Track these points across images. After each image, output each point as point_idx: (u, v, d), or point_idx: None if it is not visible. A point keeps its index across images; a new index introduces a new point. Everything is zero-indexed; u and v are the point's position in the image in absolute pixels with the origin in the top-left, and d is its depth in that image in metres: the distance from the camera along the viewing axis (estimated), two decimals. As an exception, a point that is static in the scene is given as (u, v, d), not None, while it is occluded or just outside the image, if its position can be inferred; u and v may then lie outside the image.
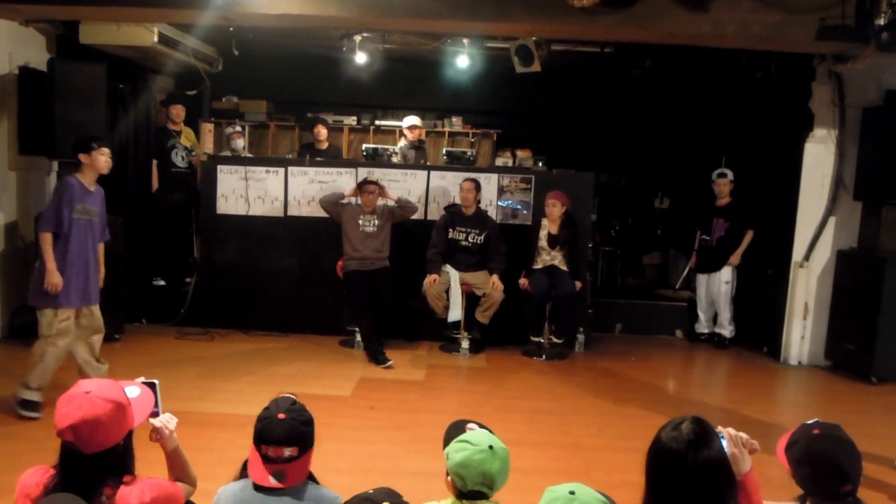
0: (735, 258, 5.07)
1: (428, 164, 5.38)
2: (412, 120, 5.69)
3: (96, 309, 3.31)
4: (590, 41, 5.04)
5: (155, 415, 1.60)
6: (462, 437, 1.48)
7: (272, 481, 1.47)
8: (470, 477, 1.42)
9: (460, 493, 1.45)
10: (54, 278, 3.05)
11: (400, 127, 6.51)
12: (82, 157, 3.15)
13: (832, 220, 4.75)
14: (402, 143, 5.74)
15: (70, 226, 3.10)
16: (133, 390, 1.52)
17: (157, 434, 1.59)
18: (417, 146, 5.65)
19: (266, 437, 1.48)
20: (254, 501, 1.49)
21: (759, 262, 5.14)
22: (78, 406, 1.33)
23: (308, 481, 1.58)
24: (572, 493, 1.22)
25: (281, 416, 1.49)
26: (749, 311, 5.22)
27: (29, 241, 4.51)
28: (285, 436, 1.48)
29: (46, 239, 3.06)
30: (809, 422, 1.54)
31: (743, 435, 1.52)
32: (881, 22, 3.58)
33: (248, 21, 4.30)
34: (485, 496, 1.44)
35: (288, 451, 1.48)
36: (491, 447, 1.43)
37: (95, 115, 4.36)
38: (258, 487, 1.49)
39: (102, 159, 3.17)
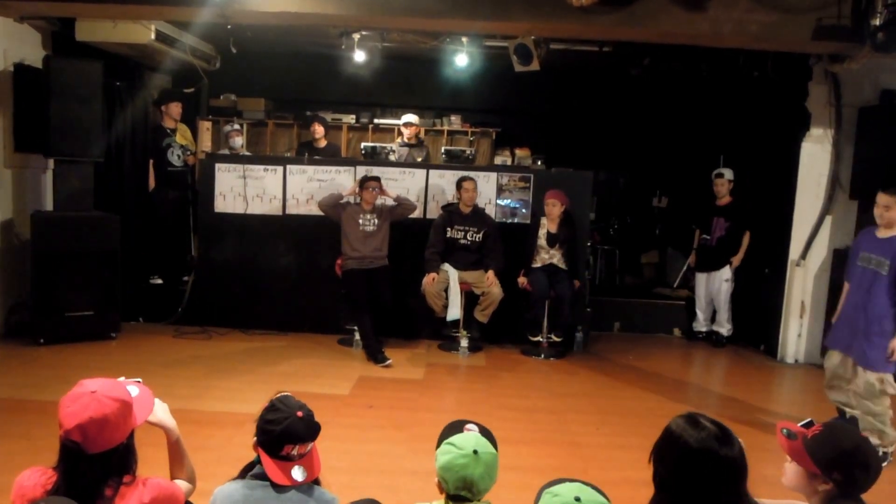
0: (737, 261, 5.10)
1: (427, 161, 5.36)
2: (407, 117, 5.66)
3: None
4: (588, 40, 5.04)
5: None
6: (450, 439, 1.46)
7: (300, 477, 1.49)
8: (451, 481, 1.40)
9: (448, 496, 1.44)
10: None
11: (398, 125, 6.52)
12: None
13: (828, 219, 4.76)
14: (398, 140, 5.73)
15: None
16: (133, 389, 1.51)
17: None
18: (413, 144, 5.62)
19: (293, 437, 1.49)
20: (249, 499, 1.48)
21: (756, 261, 5.16)
22: (84, 406, 1.32)
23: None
24: (578, 499, 1.21)
25: (299, 413, 1.52)
26: (746, 309, 5.23)
27: (24, 239, 4.49)
28: (309, 431, 1.52)
29: None
30: (850, 431, 1.55)
31: None
32: (877, 22, 3.59)
33: (245, 19, 4.28)
34: (468, 500, 1.41)
35: (310, 446, 1.53)
36: (475, 452, 1.40)
37: (91, 113, 4.35)
38: (277, 487, 1.49)
39: None
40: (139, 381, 1.57)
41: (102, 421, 1.31)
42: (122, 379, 1.56)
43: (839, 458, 1.44)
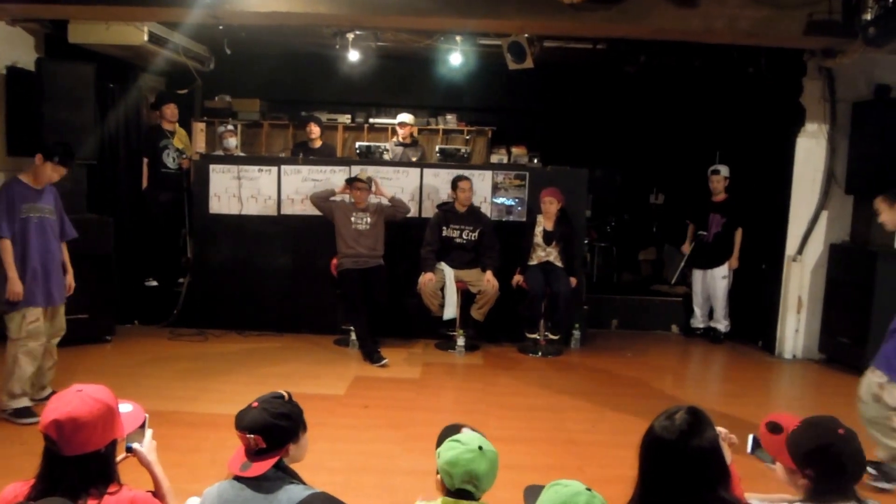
0: (735, 261, 5.10)
1: (423, 161, 5.34)
2: (402, 117, 5.64)
3: (61, 310, 3.30)
4: (582, 38, 5.04)
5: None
6: (454, 437, 1.51)
7: (238, 469, 1.51)
8: (457, 475, 1.44)
9: (448, 492, 1.47)
10: (16, 287, 3.02)
11: (393, 125, 6.51)
12: (39, 158, 3.08)
13: (824, 214, 4.77)
14: (393, 140, 5.71)
15: (23, 226, 3.07)
16: (126, 406, 1.51)
17: (134, 452, 1.55)
18: (408, 144, 5.60)
19: (237, 422, 1.54)
20: (237, 499, 1.49)
21: (753, 257, 5.16)
22: (67, 402, 1.31)
23: (295, 480, 1.57)
24: (589, 489, 1.25)
25: (255, 404, 1.55)
26: (743, 305, 5.24)
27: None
28: (251, 423, 1.52)
29: (6, 246, 3.01)
30: (826, 427, 1.48)
31: (722, 430, 1.53)
32: (868, 17, 3.59)
33: (237, 19, 4.27)
34: (471, 495, 1.46)
35: (252, 439, 1.51)
36: (480, 448, 1.46)
37: (84, 115, 4.32)
38: (240, 480, 1.52)
39: (54, 175, 3.15)
40: (134, 404, 1.58)
41: (80, 420, 1.29)
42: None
43: (811, 454, 1.44)
